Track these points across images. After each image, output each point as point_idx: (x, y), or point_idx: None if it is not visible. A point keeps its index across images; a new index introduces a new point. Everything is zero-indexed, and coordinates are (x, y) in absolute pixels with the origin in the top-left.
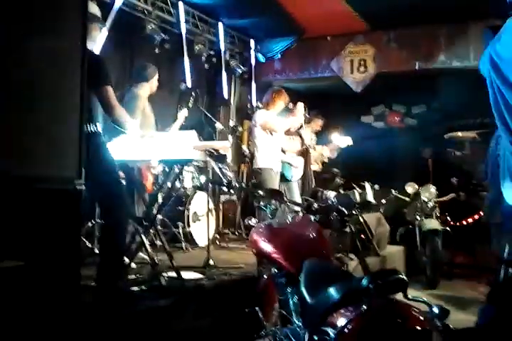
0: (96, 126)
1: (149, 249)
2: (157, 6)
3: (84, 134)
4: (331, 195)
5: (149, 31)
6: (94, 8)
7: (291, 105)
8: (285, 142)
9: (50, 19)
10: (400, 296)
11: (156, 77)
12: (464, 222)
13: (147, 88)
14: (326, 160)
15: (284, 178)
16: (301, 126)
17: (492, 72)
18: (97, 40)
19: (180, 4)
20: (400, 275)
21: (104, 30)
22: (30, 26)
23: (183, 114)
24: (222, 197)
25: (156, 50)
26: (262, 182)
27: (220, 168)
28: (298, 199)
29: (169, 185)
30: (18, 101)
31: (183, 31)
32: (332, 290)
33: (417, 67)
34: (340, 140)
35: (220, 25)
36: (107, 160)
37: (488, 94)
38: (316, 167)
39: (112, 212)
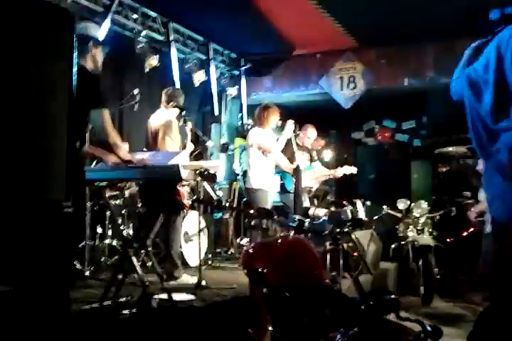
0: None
1: (140, 271)
2: (147, 26)
3: (71, 158)
4: (322, 212)
5: (139, 50)
6: (94, 30)
7: (279, 123)
8: (297, 157)
9: (38, 45)
10: (392, 316)
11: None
12: (456, 237)
13: (177, 111)
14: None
15: (284, 189)
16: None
17: (470, 93)
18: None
19: (170, 23)
20: (392, 296)
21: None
22: (19, 50)
23: (188, 128)
24: (214, 216)
25: (147, 69)
26: (256, 202)
27: (211, 187)
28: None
29: None
30: (10, 127)
31: (173, 50)
32: (325, 312)
33: (406, 84)
34: (346, 169)
35: (210, 43)
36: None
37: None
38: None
39: None
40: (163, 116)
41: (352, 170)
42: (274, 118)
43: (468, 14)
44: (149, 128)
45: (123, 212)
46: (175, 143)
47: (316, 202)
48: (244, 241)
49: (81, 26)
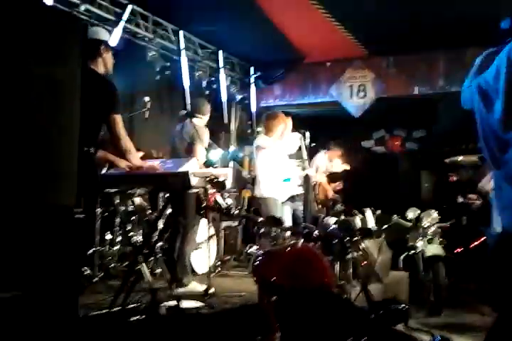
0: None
1: (149, 278)
2: (158, 34)
3: (82, 163)
4: (332, 221)
5: (150, 58)
6: (105, 34)
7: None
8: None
9: (50, 49)
10: (402, 326)
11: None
12: (466, 247)
13: (205, 120)
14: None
15: None
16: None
17: (480, 102)
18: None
19: (181, 32)
20: (401, 306)
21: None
22: (31, 56)
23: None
24: (223, 224)
25: (157, 77)
26: (266, 211)
27: (220, 195)
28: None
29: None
30: (22, 132)
31: (184, 58)
32: (334, 321)
33: (416, 92)
34: (338, 166)
35: (220, 52)
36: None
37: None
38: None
39: None
40: (194, 124)
41: (345, 166)
42: (280, 126)
43: None
44: (179, 137)
45: (132, 218)
46: (203, 151)
47: (325, 211)
48: (253, 249)
49: (92, 30)
